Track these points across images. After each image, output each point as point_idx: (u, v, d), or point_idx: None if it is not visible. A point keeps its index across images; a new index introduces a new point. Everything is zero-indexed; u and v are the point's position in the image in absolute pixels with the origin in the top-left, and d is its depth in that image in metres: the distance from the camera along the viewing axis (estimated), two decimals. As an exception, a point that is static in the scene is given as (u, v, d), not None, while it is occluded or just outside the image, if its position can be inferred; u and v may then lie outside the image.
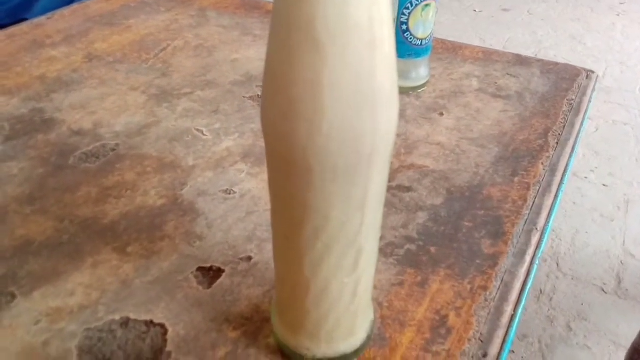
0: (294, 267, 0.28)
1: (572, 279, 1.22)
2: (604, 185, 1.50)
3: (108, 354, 0.33)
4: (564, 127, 0.56)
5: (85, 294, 0.37)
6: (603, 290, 1.19)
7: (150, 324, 0.35)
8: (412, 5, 0.55)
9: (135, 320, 0.35)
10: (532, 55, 2.22)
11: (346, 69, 0.21)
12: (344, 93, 0.22)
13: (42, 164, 0.49)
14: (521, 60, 0.68)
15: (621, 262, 1.25)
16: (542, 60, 0.68)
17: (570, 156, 0.53)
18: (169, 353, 0.33)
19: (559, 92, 0.61)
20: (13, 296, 0.36)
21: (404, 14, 0.56)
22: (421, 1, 0.55)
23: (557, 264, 1.26)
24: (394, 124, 0.24)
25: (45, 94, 0.58)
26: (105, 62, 0.65)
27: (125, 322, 0.35)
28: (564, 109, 0.58)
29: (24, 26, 0.73)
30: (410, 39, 0.57)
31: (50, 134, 0.53)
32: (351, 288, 0.29)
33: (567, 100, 0.60)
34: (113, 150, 0.51)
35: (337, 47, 0.21)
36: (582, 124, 0.58)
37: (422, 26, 0.57)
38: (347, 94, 0.22)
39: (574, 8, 2.67)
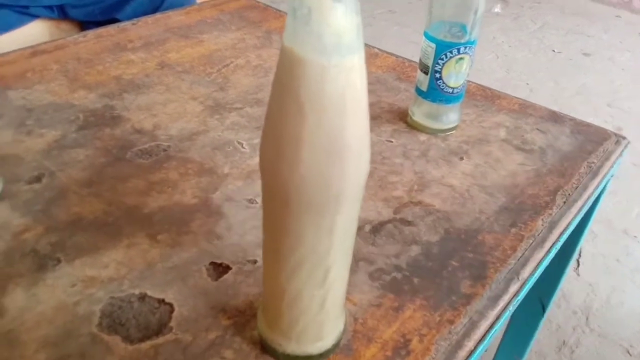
0: (274, 275, 0.34)
1: (599, 335, 1.20)
2: (652, 247, 1.46)
3: (123, 320, 0.40)
4: (576, 188, 0.58)
5: (116, 268, 0.45)
6: (628, 352, 1.16)
7: (161, 302, 0.42)
8: (446, 57, 0.60)
9: (151, 297, 0.42)
10: (605, 105, 2.18)
11: (321, 129, 0.27)
12: (318, 147, 0.28)
13: (104, 155, 0.57)
14: (555, 117, 0.71)
15: (653, 328, 1.22)
16: (576, 119, 0.71)
17: (575, 216, 0.56)
18: (171, 328, 0.40)
19: (581, 153, 0.64)
20: (59, 261, 0.45)
21: (438, 63, 0.61)
22: (455, 55, 0.60)
23: (587, 318, 1.25)
24: (360, 175, 0.30)
25: (118, 93, 0.68)
26: (174, 70, 0.74)
27: (143, 297, 0.42)
28: (580, 171, 0.61)
29: (111, 29, 0.84)
30: (442, 86, 0.62)
31: (116, 129, 0.62)
32: (319, 300, 0.35)
33: (587, 162, 0.62)
34: (164, 150, 0.59)
35: (314, 112, 0.27)
36: (597, 187, 0.60)
37: (455, 76, 0.62)
38: (320, 148, 0.28)
39: (660, 60, 2.58)
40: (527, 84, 2.30)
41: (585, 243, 1.45)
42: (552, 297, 0.83)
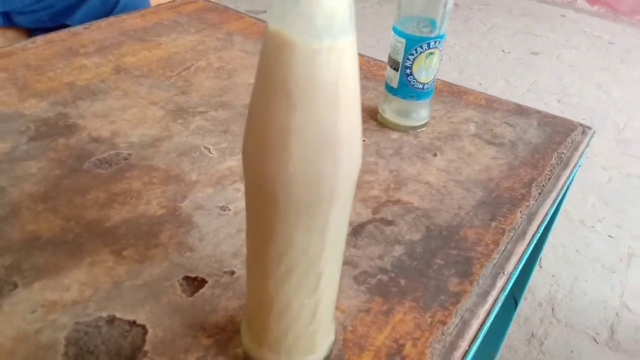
0: (261, 284, 0.32)
1: (566, 325, 1.22)
2: (609, 236, 1.50)
3: (92, 347, 0.37)
4: (550, 179, 0.58)
5: (80, 290, 0.41)
6: (595, 341, 1.19)
7: (133, 324, 0.39)
8: (416, 52, 0.59)
9: (120, 319, 0.39)
10: (555, 101, 2.25)
11: (311, 121, 0.25)
12: (309, 141, 0.25)
13: (59, 166, 0.53)
14: (521, 111, 0.71)
15: (617, 314, 1.25)
16: (541, 112, 0.71)
17: (551, 207, 0.55)
18: (145, 352, 0.37)
19: (551, 145, 0.64)
20: (15, 285, 0.40)
21: (408, 59, 0.60)
22: (425, 49, 0.59)
23: (552, 309, 1.27)
24: (354, 169, 0.28)
25: (71, 100, 0.63)
26: (131, 75, 0.70)
27: (111, 320, 0.39)
28: (552, 162, 0.61)
29: (62, 33, 0.79)
30: (413, 82, 0.61)
31: (71, 138, 0.57)
32: (311, 309, 0.32)
33: (557, 153, 0.63)
34: (125, 159, 0.55)
35: (304, 102, 0.25)
36: (569, 178, 0.61)
37: (425, 72, 0.61)
38: (311, 142, 0.25)
39: (604, 57, 2.68)
40: (480, 84, 2.34)
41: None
42: (523, 291, 0.83)
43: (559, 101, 2.23)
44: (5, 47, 0.74)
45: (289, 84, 0.24)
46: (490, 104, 0.73)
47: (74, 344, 0.37)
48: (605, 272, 1.38)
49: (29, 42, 0.76)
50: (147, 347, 0.37)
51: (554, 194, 0.57)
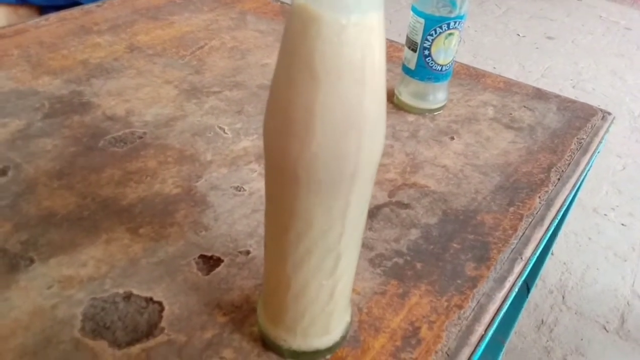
0: (279, 265, 0.31)
1: (576, 313, 1.22)
2: (622, 224, 1.49)
3: (108, 323, 0.37)
4: (569, 164, 0.57)
5: (96, 266, 0.41)
6: (605, 329, 1.18)
7: (149, 300, 0.39)
8: (435, 33, 0.58)
9: (137, 296, 0.39)
10: (570, 87, 2.21)
11: (336, 99, 0.24)
12: (333, 120, 0.25)
13: (74, 144, 0.53)
14: (540, 95, 0.70)
15: (627, 303, 1.25)
16: (561, 96, 0.70)
17: (570, 193, 0.55)
18: (162, 328, 0.37)
19: (571, 130, 0.63)
20: (32, 261, 0.41)
21: (427, 40, 0.59)
22: (445, 30, 0.58)
23: (563, 297, 1.26)
24: (377, 150, 0.27)
25: (85, 78, 0.63)
26: (145, 54, 0.70)
27: (128, 296, 0.39)
28: (572, 147, 0.60)
29: (75, 11, 0.78)
30: (431, 64, 0.60)
31: (85, 116, 0.57)
32: (328, 290, 0.32)
33: (577, 138, 0.61)
34: (140, 138, 0.55)
35: (330, 80, 0.24)
36: (588, 163, 0.60)
37: (444, 53, 0.60)
38: (336, 120, 0.25)
39: (620, 44, 2.64)
40: (494, 67, 2.31)
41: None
42: (536, 278, 0.83)
43: (573, 87, 2.20)
44: (18, 25, 0.74)
45: (314, 61, 0.24)
46: (508, 87, 0.71)
47: (91, 319, 0.37)
48: (617, 260, 1.37)
49: (42, 20, 0.75)
50: (163, 324, 0.37)
51: (573, 180, 0.56)
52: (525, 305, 0.88)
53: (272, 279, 0.33)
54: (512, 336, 1.16)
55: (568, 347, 1.14)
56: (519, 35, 2.64)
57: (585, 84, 2.25)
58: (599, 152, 0.65)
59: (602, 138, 0.64)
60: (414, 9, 0.58)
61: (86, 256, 0.42)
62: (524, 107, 0.67)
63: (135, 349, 0.35)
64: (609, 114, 0.68)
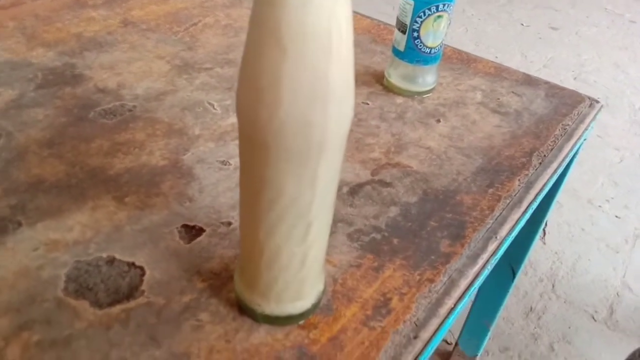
0: (252, 232, 0.33)
1: (565, 302, 1.23)
2: (616, 216, 1.50)
3: (91, 285, 0.38)
4: (552, 150, 0.58)
5: (82, 231, 0.42)
6: (593, 318, 1.20)
7: (131, 265, 0.40)
8: (424, 15, 0.58)
9: (120, 260, 0.40)
10: (571, 78, 2.21)
11: (303, 68, 0.25)
12: (300, 88, 0.26)
13: (65, 114, 0.54)
14: (529, 81, 0.71)
15: (617, 294, 1.26)
16: (550, 82, 0.71)
17: (551, 177, 0.56)
18: (142, 291, 0.38)
19: (556, 116, 0.64)
20: (19, 224, 0.42)
21: (416, 22, 0.59)
22: (434, 12, 0.58)
23: (553, 286, 1.28)
24: (344, 120, 0.28)
25: (79, 51, 0.64)
26: (139, 28, 0.71)
27: (111, 261, 0.40)
28: (555, 133, 0.61)
29: (72, -14, 0.79)
30: (420, 46, 0.61)
31: (77, 88, 0.58)
32: (300, 257, 0.33)
33: (562, 124, 0.62)
34: (130, 110, 0.56)
35: (296, 49, 0.25)
36: (571, 150, 0.60)
37: (433, 36, 0.60)
38: (302, 89, 0.26)
39: (624, 36, 2.62)
40: (496, 57, 2.31)
41: (551, 213, 1.48)
42: (522, 263, 0.84)
43: (575, 78, 2.19)
44: (16, -3, 0.74)
45: (280, 30, 0.25)
46: (499, 72, 0.72)
47: (74, 281, 0.38)
48: (609, 251, 1.38)
49: (40, -7, 0.76)
50: (144, 287, 0.38)
51: (554, 165, 0.57)
52: (512, 290, 0.89)
53: (246, 246, 0.34)
54: (500, 322, 1.18)
55: (555, 335, 1.16)
56: (522, 24, 2.63)
57: (587, 75, 2.24)
58: (584, 139, 0.66)
59: (588, 125, 0.65)
60: (404, -9, 0.59)
61: (72, 221, 0.43)
62: (512, 92, 0.68)
63: (116, 309, 0.37)
64: (597, 101, 0.68)
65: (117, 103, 0.56)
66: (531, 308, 1.22)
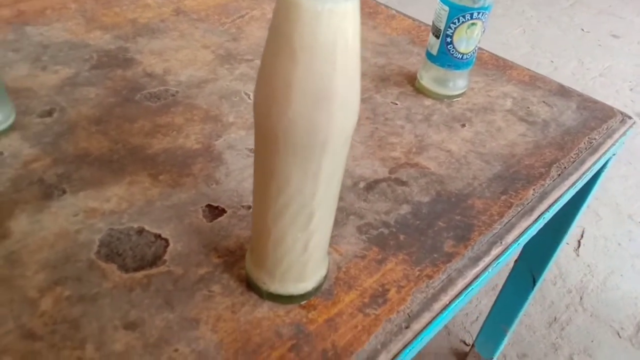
0: (262, 216, 0.36)
1: (591, 315, 1.22)
2: (656, 234, 1.46)
3: (121, 251, 0.43)
4: (573, 162, 0.59)
5: (118, 203, 0.47)
6: (618, 334, 1.18)
7: (158, 236, 0.44)
8: (458, 22, 0.60)
9: (148, 232, 0.45)
10: (627, 89, 2.14)
11: (310, 75, 0.29)
12: (307, 91, 0.29)
13: (114, 94, 0.59)
14: (563, 91, 0.71)
15: (646, 313, 1.24)
16: (584, 95, 0.71)
17: (568, 189, 0.56)
18: (165, 261, 0.42)
19: (584, 129, 0.64)
20: (64, 191, 0.47)
21: (449, 27, 0.61)
22: (468, 19, 0.60)
23: (581, 298, 1.26)
24: (347, 124, 0.31)
25: (132, 36, 0.69)
26: (189, 18, 0.75)
27: (141, 231, 0.45)
28: (580, 146, 0.61)
29: (132, -27, 0.84)
30: (452, 51, 0.62)
31: (127, 71, 0.63)
32: (302, 242, 0.36)
33: (588, 138, 0.63)
34: (173, 95, 0.61)
35: (305, 57, 0.28)
36: (596, 164, 0.61)
37: (465, 42, 0.62)
38: (309, 92, 0.29)
39: (692, 48, 2.50)
40: (552, 61, 2.25)
41: (588, 225, 1.46)
42: (543, 271, 0.84)
43: (631, 90, 2.12)
44: (81, -20, 0.80)
45: (293, 41, 0.28)
46: (533, 81, 0.73)
47: (106, 246, 0.43)
48: (643, 269, 1.35)
49: (102, -22, 0.82)
50: (166, 257, 0.43)
51: (574, 177, 0.57)
52: (533, 297, 0.90)
53: (257, 228, 0.38)
54: (522, 329, 1.18)
55: (577, 347, 1.15)
56: (582, 30, 2.55)
57: (645, 87, 2.16)
58: (614, 154, 0.66)
59: (617, 140, 0.65)
60: (439, -2, 0.61)
61: (110, 193, 0.48)
62: (544, 102, 0.69)
63: (139, 274, 0.41)
64: (630, 117, 0.68)
65: (162, 88, 0.61)
66: (555, 318, 1.22)
